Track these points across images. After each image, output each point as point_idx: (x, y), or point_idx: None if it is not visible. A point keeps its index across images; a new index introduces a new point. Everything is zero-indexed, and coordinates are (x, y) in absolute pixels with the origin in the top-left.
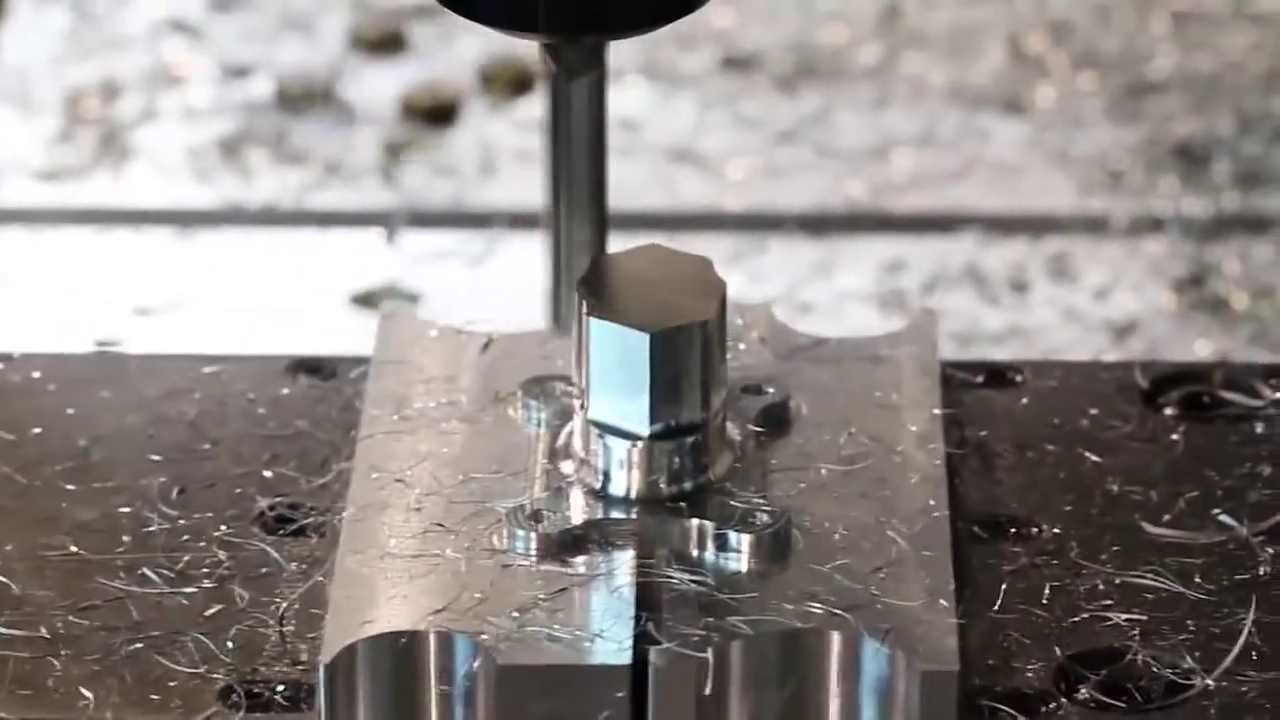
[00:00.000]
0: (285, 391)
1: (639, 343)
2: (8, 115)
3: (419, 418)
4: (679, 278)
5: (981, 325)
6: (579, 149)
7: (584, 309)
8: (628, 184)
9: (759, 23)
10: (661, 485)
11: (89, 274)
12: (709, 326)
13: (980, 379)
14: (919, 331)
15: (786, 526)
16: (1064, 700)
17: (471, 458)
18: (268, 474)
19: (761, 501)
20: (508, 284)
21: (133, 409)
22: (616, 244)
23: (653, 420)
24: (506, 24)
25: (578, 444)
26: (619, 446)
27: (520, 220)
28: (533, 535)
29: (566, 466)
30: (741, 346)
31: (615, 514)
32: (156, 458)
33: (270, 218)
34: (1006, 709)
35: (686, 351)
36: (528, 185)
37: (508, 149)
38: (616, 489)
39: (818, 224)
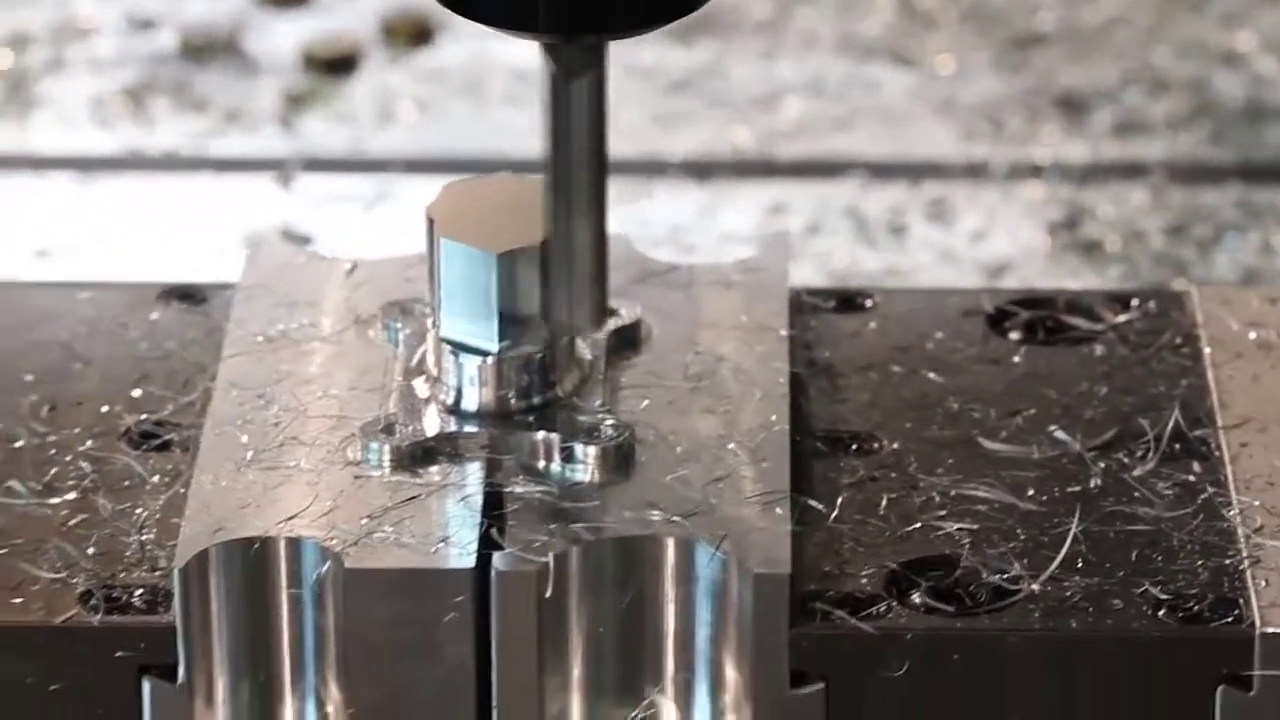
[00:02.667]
0: (155, 316)
1: (485, 263)
2: None
3: (281, 339)
4: (527, 204)
5: (860, 266)
6: (578, 149)
7: (434, 231)
8: (519, 130)
9: None
10: (511, 400)
11: None
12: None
13: (831, 304)
14: (771, 256)
15: (630, 439)
16: (895, 604)
17: (330, 376)
18: (136, 393)
19: (607, 416)
20: (401, 227)
21: (5, 332)
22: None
23: (501, 338)
24: (505, 24)
25: (431, 362)
26: (470, 363)
27: (416, 165)
28: (385, 447)
29: (420, 384)
30: None
31: (467, 428)
32: (28, 378)
33: (170, 163)
34: (838, 612)
35: (530, 271)
36: (425, 133)
37: (406, 97)
38: (468, 404)
39: (703, 169)
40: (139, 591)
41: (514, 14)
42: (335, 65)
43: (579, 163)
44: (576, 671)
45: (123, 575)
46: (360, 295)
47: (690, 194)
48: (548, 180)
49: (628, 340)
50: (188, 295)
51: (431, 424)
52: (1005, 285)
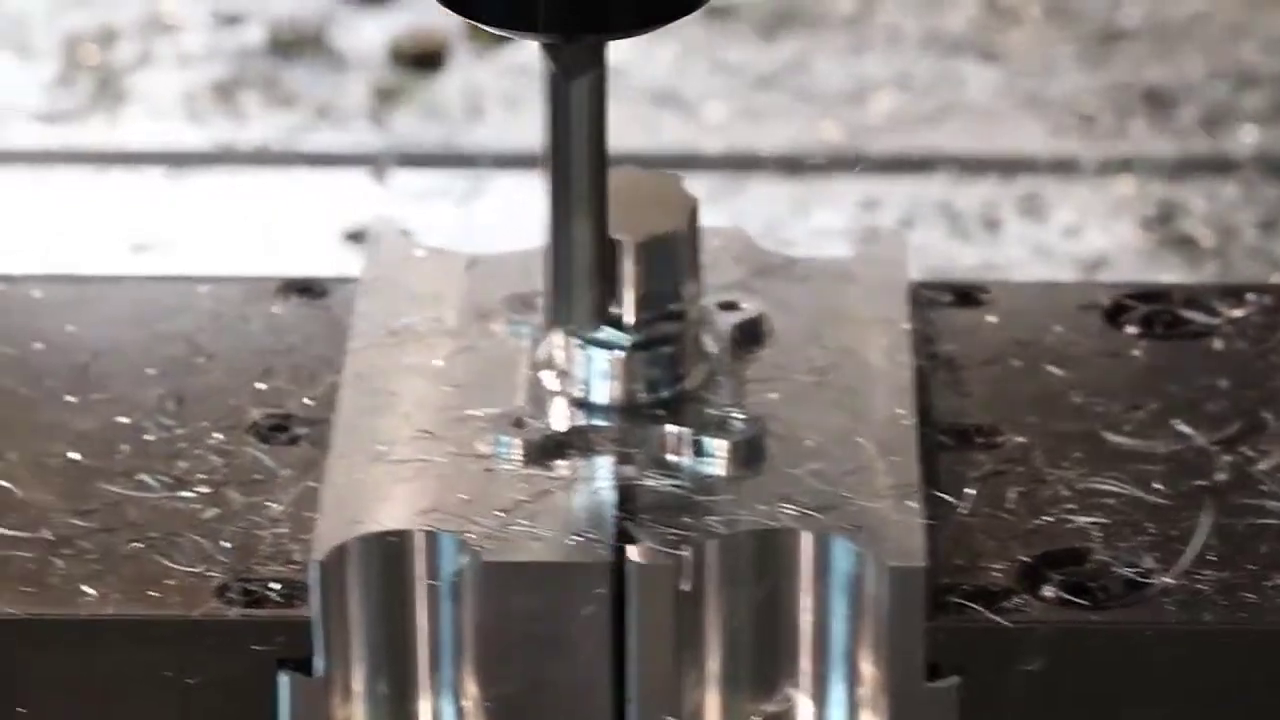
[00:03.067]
0: (276, 310)
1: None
2: (8, 61)
3: (406, 333)
4: (650, 196)
5: (956, 261)
6: (579, 149)
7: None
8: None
9: None
10: (640, 394)
11: (87, 212)
12: (679, 236)
13: (949, 298)
14: (889, 251)
15: (760, 433)
16: (1028, 597)
17: (457, 370)
18: (261, 386)
19: (736, 409)
20: (494, 221)
21: (129, 326)
22: None
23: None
24: (505, 23)
25: (560, 356)
26: (599, 357)
27: (505, 160)
28: (516, 440)
29: (549, 377)
30: (717, 266)
31: (596, 421)
32: (152, 371)
33: (262, 158)
34: (973, 605)
35: (662, 260)
36: (513, 128)
37: (493, 93)
38: (597, 397)
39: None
40: (275, 585)
41: (514, 14)
42: (422, 60)
43: (578, 162)
44: (713, 666)
45: (258, 569)
46: (482, 289)
47: (781, 189)
48: (547, 179)
49: (750, 334)
50: (307, 289)
51: (561, 418)
52: (1101, 280)
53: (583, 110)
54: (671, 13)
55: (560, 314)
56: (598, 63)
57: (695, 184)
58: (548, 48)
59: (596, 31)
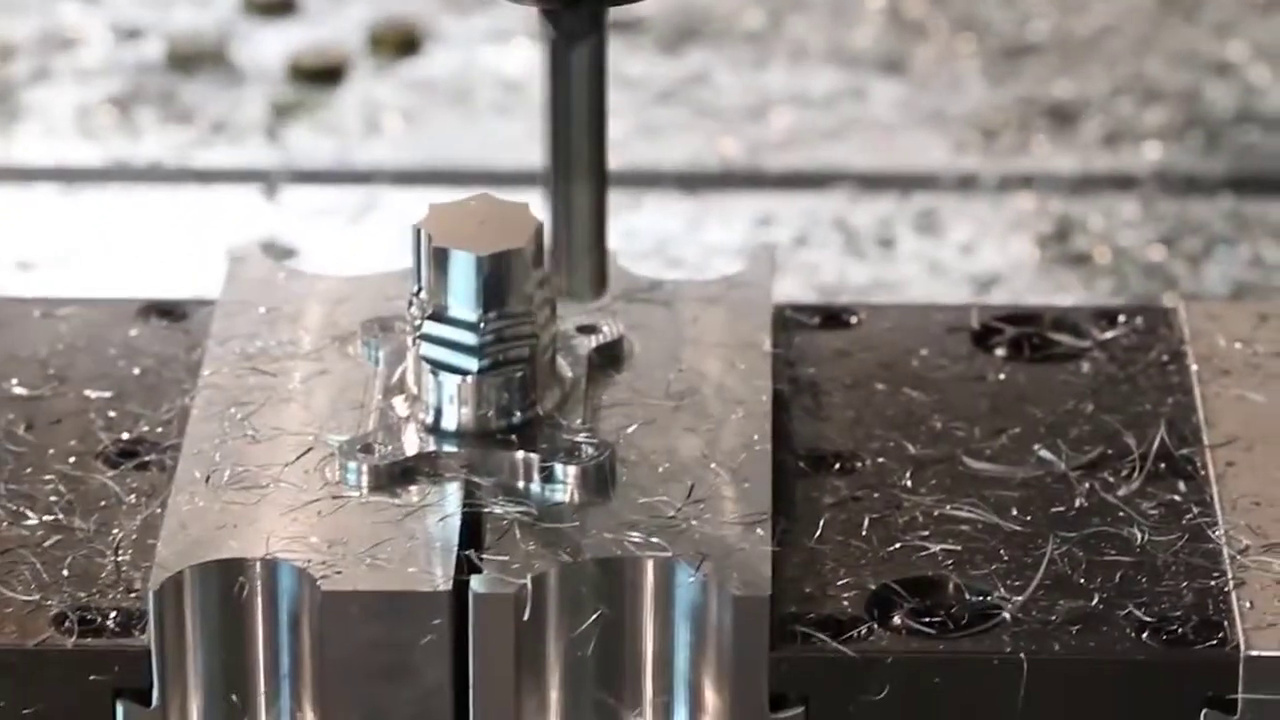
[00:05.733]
0: (134, 333)
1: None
2: None
3: (261, 356)
4: (501, 218)
5: (848, 279)
6: (578, 116)
7: (423, 240)
8: (507, 141)
9: None
10: (491, 419)
11: None
12: (523, 254)
13: (816, 320)
14: (755, 272)
15: (610, 459)
16: (875, 626)
17: (309, 394)
18: (113, 412)
19: (587, 435)
20: (386, 239)
21: None
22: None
23: (480, 351)
24: None
25: (411, 380)
26: (449, 381)
27: (401, 177)
28: (364, 467)
29: (400, 402)
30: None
31: (446, 447)
32: (4, 394)
33: (155, 174)
34: (818, 634)
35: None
36: (411, 144)
37: (393, 108)
38: (448, 423)
39: (692, 181)
40: (113, 614)
41: None
42: (322, 76)
43: (578, 129)
44: (555, 694)
45: (97, 597)
46: (341, 312)
47: (677, 206)
48: (547, 147)
49: (609, 358)
50: (167, 311)
51: (411, 443)
52: (994, 299)
53: (583, 76)
54: None
55: (561, 283)
56: (597, 28)
57: None
58: (547, 13)
59: None
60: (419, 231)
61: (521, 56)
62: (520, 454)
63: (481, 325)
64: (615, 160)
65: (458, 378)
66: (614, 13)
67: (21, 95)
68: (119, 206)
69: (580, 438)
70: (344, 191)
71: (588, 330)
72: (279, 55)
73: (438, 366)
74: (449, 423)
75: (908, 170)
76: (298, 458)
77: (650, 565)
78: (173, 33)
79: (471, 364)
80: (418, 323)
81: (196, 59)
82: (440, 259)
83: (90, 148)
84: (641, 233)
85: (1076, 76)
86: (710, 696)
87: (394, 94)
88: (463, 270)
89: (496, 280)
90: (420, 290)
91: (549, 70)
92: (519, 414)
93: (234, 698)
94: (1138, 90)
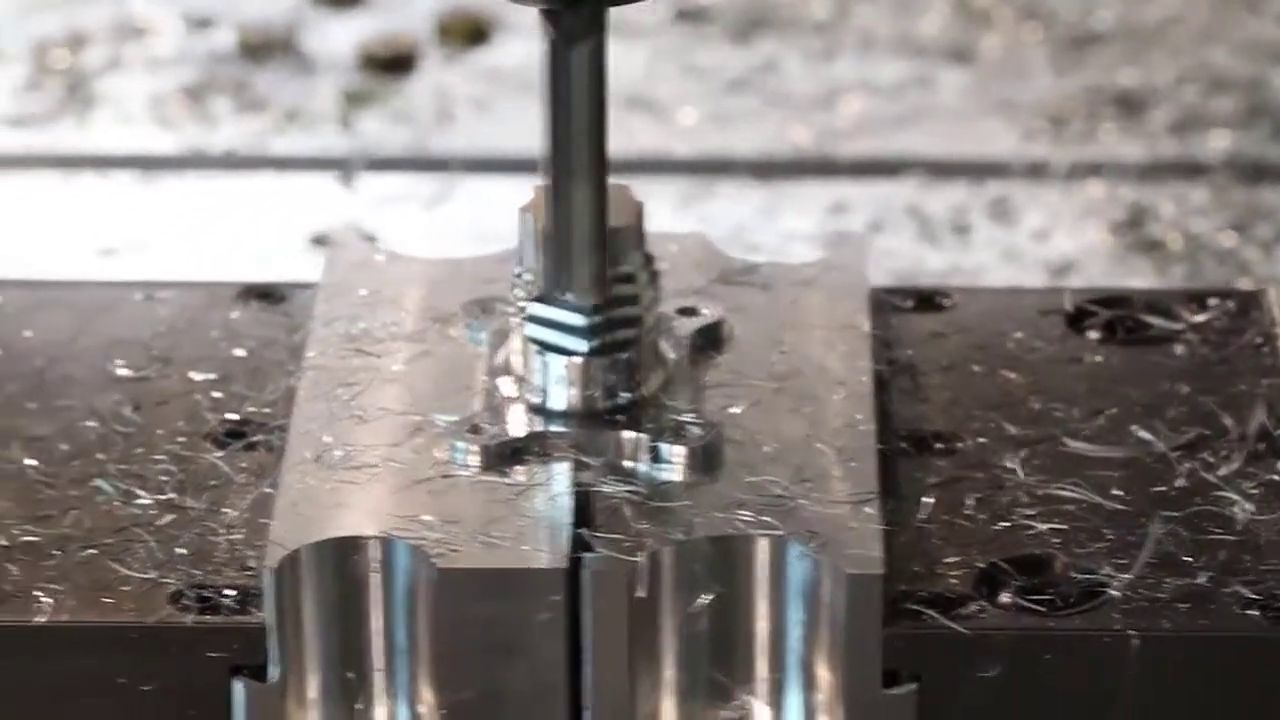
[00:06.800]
0: (235, 315)
1: None
2: None
3: (364, 337)
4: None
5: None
6: (579, 116)
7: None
8: None
9: None
10: (597, 400)
11: (56, 217)
12: (629, 234)
13: (910, 303)
14: (850, 256)
15: (717, 438)
16: (985, 604)
17: (414, 375)
18: (218, 393)
19: (693, 415)
20: (462, 225)
21: (88, 331)
22: None
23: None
24: None
25: (517, 361)
26: (556, 363)
27: (475, 165)
28: (473, 447)
29: (506, 383)
30: (677, 271)
31: (554, 427)
32: (110, 377)
33: (231, 162)
34: (929, 612)
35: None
36: (483, 132)
37: (463, 97)
38: (555, 404)
39: (764, 169)
40: (230, 591)
41: None
42: (392, 64)
43: (578, 130)
44: (668, 672)
45: (213, 575)
46: (440, 294)
47: (751, 194)
48: (546, 147)
49: (711, 340)
50: (266, 294)
51: (518, 424)
52: (1070, 284)
53: (583, 77)
54: None
55: (560, 283)
56: (598, 29)
57: (665, 188)
58: (547, 14)
59: None
60: (525, 214)
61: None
62: (628, 434)
63: (590, 307)
64: (687, 147)
65: (565, 359)
66: (680, 3)
67: (95, 84)
68: (197, 193)
69: (686, 418)
70: (419, 178)
71: (688, 313)
72: (348, 45)
73: (545, 348)
74: (556, 403)
75: (978, 158)
76: (407, 438)
77: (763, 544)
78: (243, 22)
79: (581, 345)
80: (523, 304)
81: (267, 48)
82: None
83: (166, 136)
84: (716, 219)
85: (1142, 65)
86: (823, 674)
87: (465, 83)
88: None
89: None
90: (525, 272)
91: (549, 70)
92: (625, 395)
93: (350, 674)
94: (1203, 79)
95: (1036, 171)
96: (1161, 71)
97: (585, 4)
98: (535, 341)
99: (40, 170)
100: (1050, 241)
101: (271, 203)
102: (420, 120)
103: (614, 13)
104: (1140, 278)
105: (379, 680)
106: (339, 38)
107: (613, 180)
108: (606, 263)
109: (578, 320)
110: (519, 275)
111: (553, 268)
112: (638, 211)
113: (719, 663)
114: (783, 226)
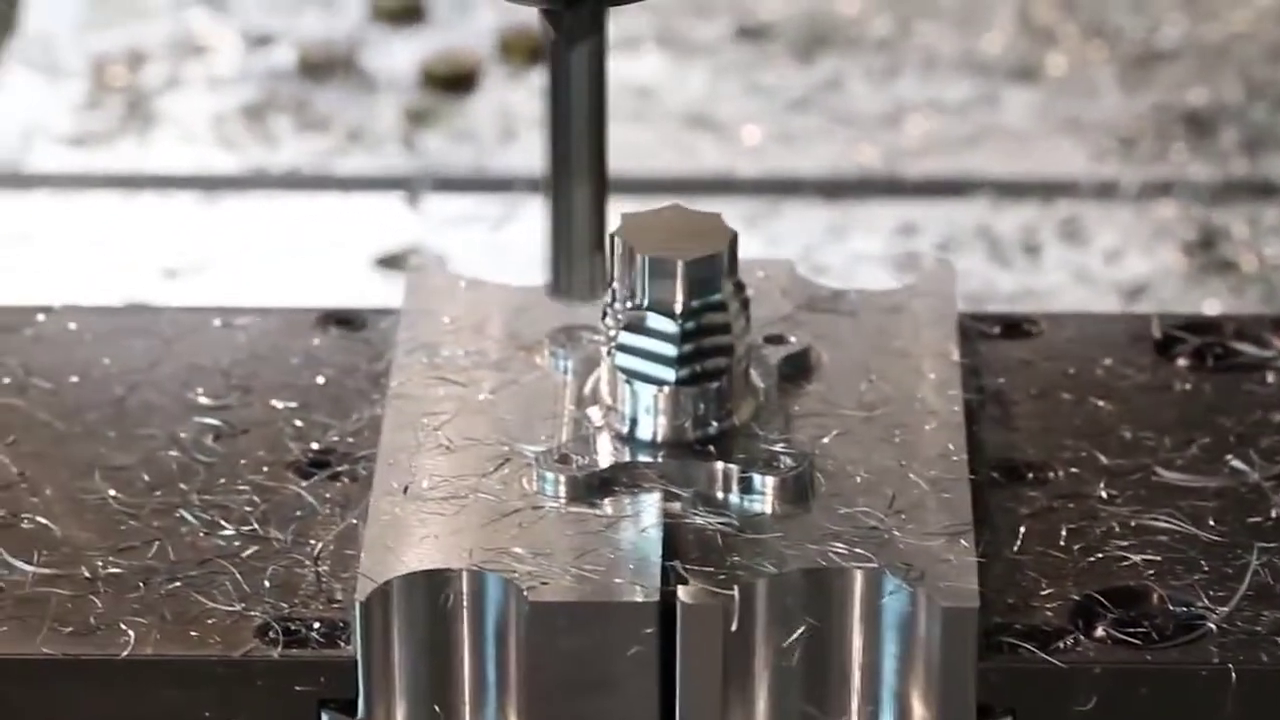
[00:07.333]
0: (316, 342)
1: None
2: (36, 83)
3: (448, 365)
4: (693, 230)
5: (996, 286)
6: (579, 116)
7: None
8: (642, 148)
9: None
10: (687, 430)
11: (118, 237)
12: (721, 263)
13: (997, 330)
14: (936, 283)
15: (809, 469)
16: (1081, 637)
17: (500, 404)
18: (300, 422)
19: (784, 445)
20: (529, 246)
21: (167, 359)
22: (636, 207)
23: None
24: None
25: (605, 390)
26: (645, 392)
27: (539, 184)
28: (561, 478)
29: (594, 412)
30: (763, 299)
31: (642, 457)
32: (190, 405)
33: (294, 181)
34: (1025, 645)
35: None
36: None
37: (526, 116)
38: (643, 433)
39: (831, 188)
40: (317, 624)
41: None
42: (454, 83)
43: (579, 131)
44: (760, 705)
45: (300, 608)
46: (523, 321)
47: (818, 214)
48: (546, 147)
49: (798, 368)
50: (346, 321)
51: (606, 454)
52: (1142, 306)
53: (583, 77)
54: None
55: (559, 285)
56: (598, 29)
57: (730, 208)
58: (547, 14)
59: None
60: (615, 240)
61: (651, 63)
62: (718, 464)
63: (681, 336)
64: (752, 168)
65: (654, 388)
66: (740, 20)
67: (154, 103)
68: (261, 214)
69: (778, 448)
70: (483, 199)
71: (775, 340)
72: (410, 63)
73: (634, 377)
74: (645, 433)
75: (1047, 177)
76: (495, 469)
77: (858, 576)
78: (303, 39)
79: (670, 374)
80: (613, 332)
81: (328, 67)
82: (639, 268)
83: (227, 155)
84: (784, 240)
85: (1210, 84)
86: (917, 707)
87: (527, 102)
88: (663, 279)
89: (696, 290)
90: (615, 300)
91: (549, 70)
92: (715, 424)
93: (437, 708)
94: (1272, 97)
95: (1107, 191)
96: (1230, 89)
97: (585, 4)
98: (624, 370)
99: (101, 190)
100: (1123, 262)
101: (335, 224)
102: (483, 139)
103: (672, 30)
104: (1215, 299)
105: (467, 714)
106: (400, 56)
107: (679, 200)
108: (606, 264)
109: (668, 349)
110: (610, 303)
111: (551, 267)
112: (731, 239)
113: (811, 696)
114: (851, 248)
